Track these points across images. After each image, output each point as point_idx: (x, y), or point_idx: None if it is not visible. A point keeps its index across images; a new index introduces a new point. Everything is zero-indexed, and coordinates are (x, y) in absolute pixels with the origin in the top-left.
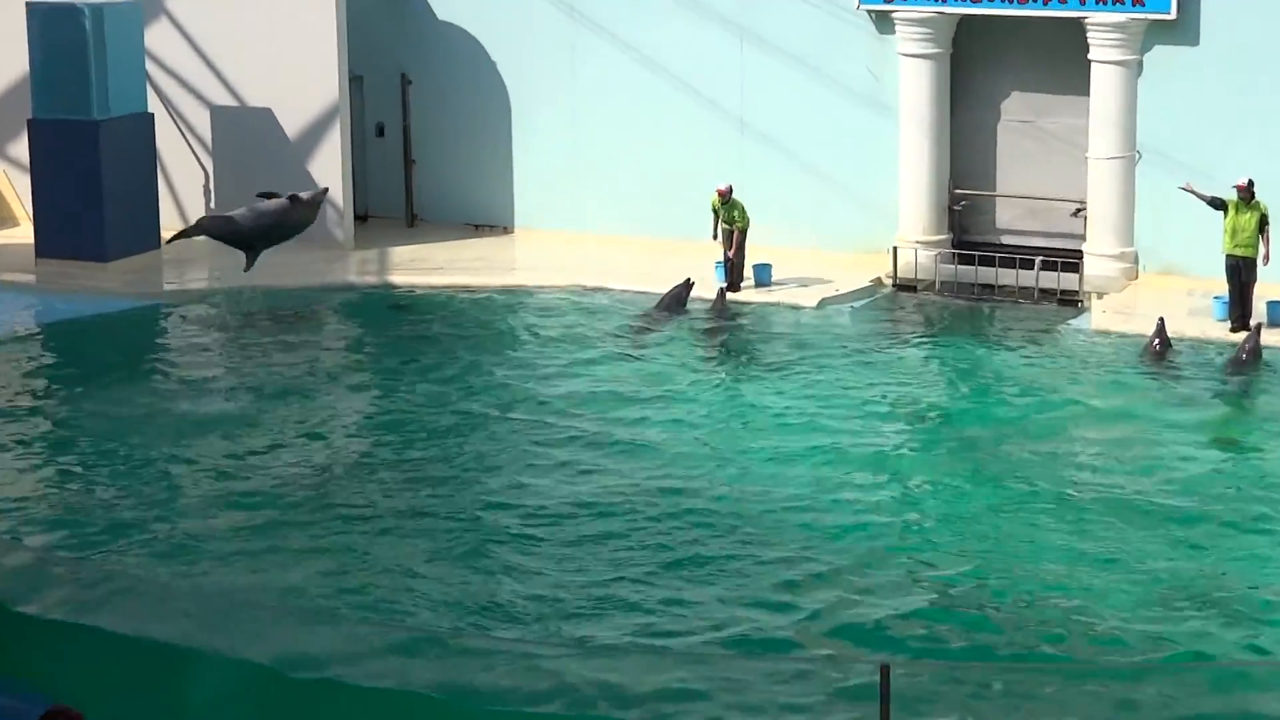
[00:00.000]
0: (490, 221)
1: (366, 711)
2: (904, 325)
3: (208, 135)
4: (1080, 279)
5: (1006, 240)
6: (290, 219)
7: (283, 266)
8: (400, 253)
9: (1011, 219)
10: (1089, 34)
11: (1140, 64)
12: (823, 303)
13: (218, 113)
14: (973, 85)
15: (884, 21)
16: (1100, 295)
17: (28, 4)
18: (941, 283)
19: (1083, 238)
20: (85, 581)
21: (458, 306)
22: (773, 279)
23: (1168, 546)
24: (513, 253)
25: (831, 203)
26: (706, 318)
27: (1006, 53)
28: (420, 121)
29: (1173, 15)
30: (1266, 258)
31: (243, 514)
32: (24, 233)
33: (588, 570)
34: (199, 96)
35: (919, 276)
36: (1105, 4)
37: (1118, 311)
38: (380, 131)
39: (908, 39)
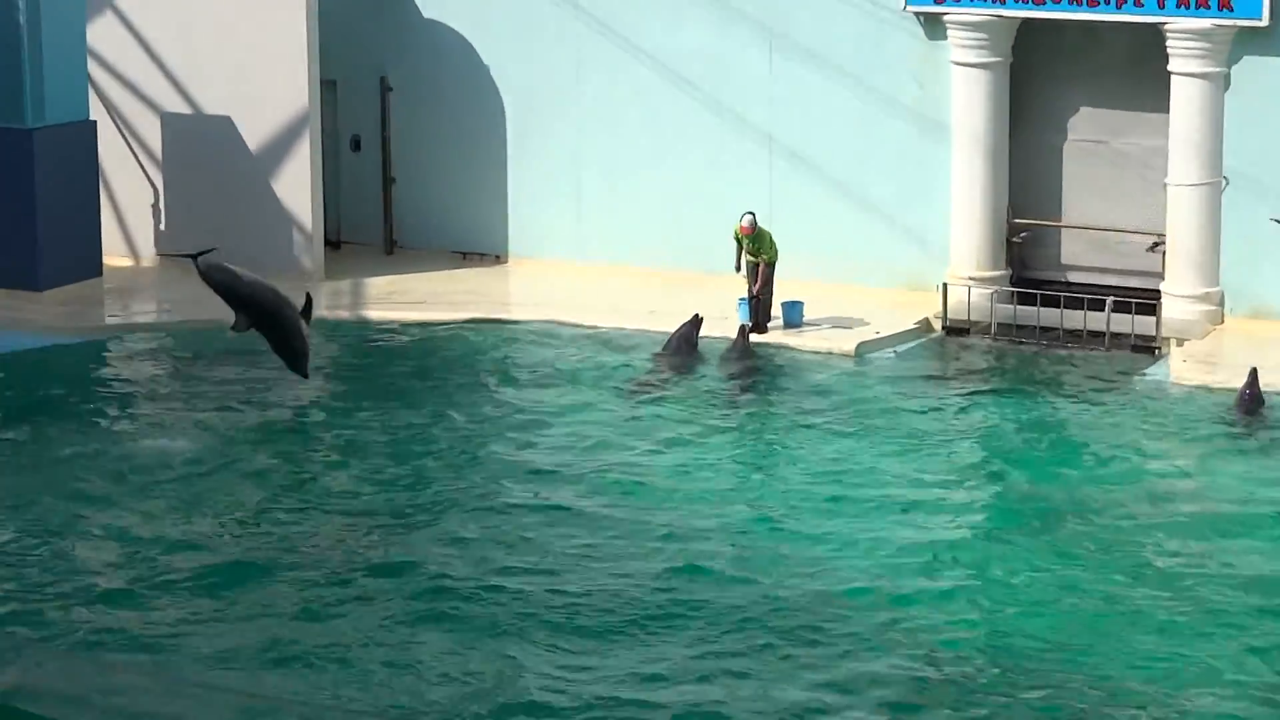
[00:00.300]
0: (480, 249)
1: None
2: (954, 375)
3: (158, 147)
4: (1157, 322)
5: (1073, 278)
6: (285, 318)
7: None
8: (377, 284)
9: (1079, 253)
10: (1168, 42)
11: (1227, 77)
12: (861, 347)
13: (170, 120)
14: (1035, 99)
15: (934, 25)
16: (1180, 342)
17: None
18: (998, 326)
19: (1160, 275)
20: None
21: (441, 346)
22: (804, 319)
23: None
24: (505, 285)
25: (872, 232)
26: (724, 363)
27: (1074, 63)
28: (402, 133)
29: (1264, 21)
30: None
31: (177, 592)
32: None
33: (592, 669)
34: (148, 102)
35: (972, 318)
36: (1187, 8)
37: (1200, 360)
38: (356, 145)
39: (961, 45)
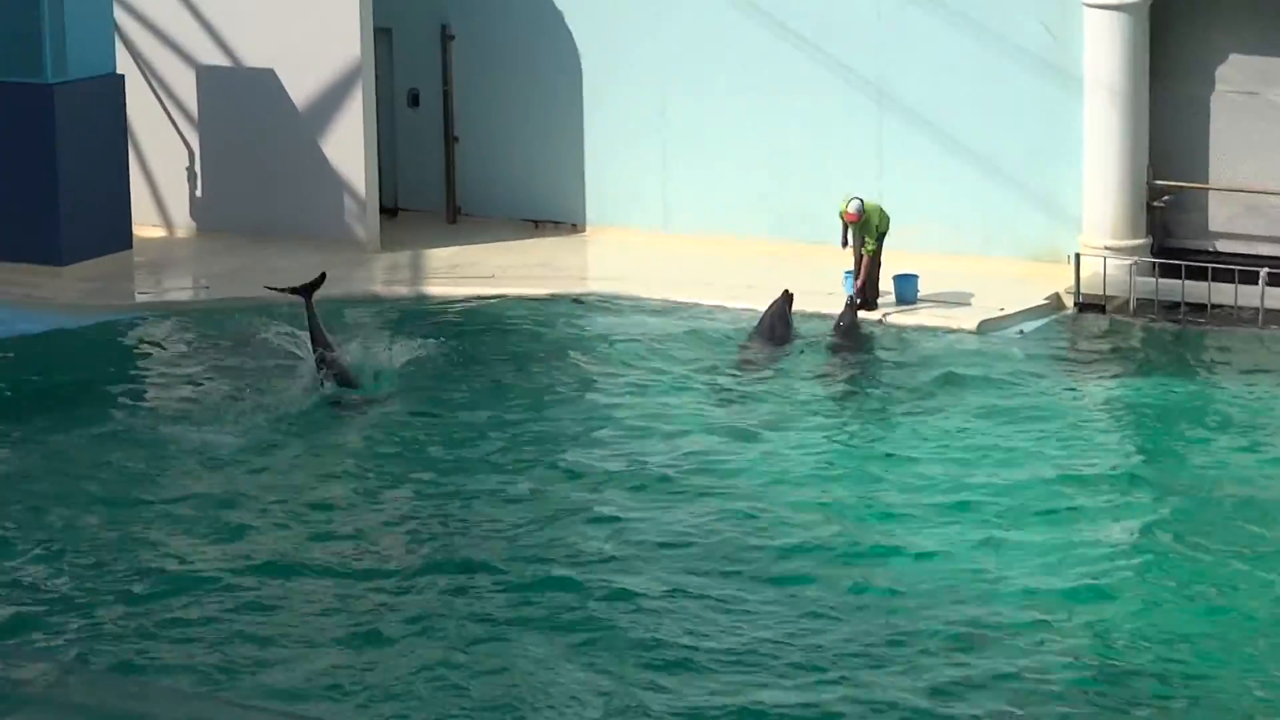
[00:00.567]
0: (554, 217)
1: None
2: (1089, 356)
3: (193, 104)
4: None
5: (1222, 246)
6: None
7: (297, 272)
8: (438, 256)
9: (1229, 218)
10: None
11: None
12: (983, 326)
13: (206, 74)
14: (1178, 46)
15: None
16: None
17: None
18: (1138, 300)
19: None
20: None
21: (510, 326)
22: (919, 294)
23: None
24: (583, 257)
25: (995, 197)
26: (828, 342)
27: (1222, 5)
28: (465, 87)
29: None
30: None
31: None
32: None
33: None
34: (182, 54)
35: (1108, 293)
36: None
37: None
38: (414, 100)
39: None
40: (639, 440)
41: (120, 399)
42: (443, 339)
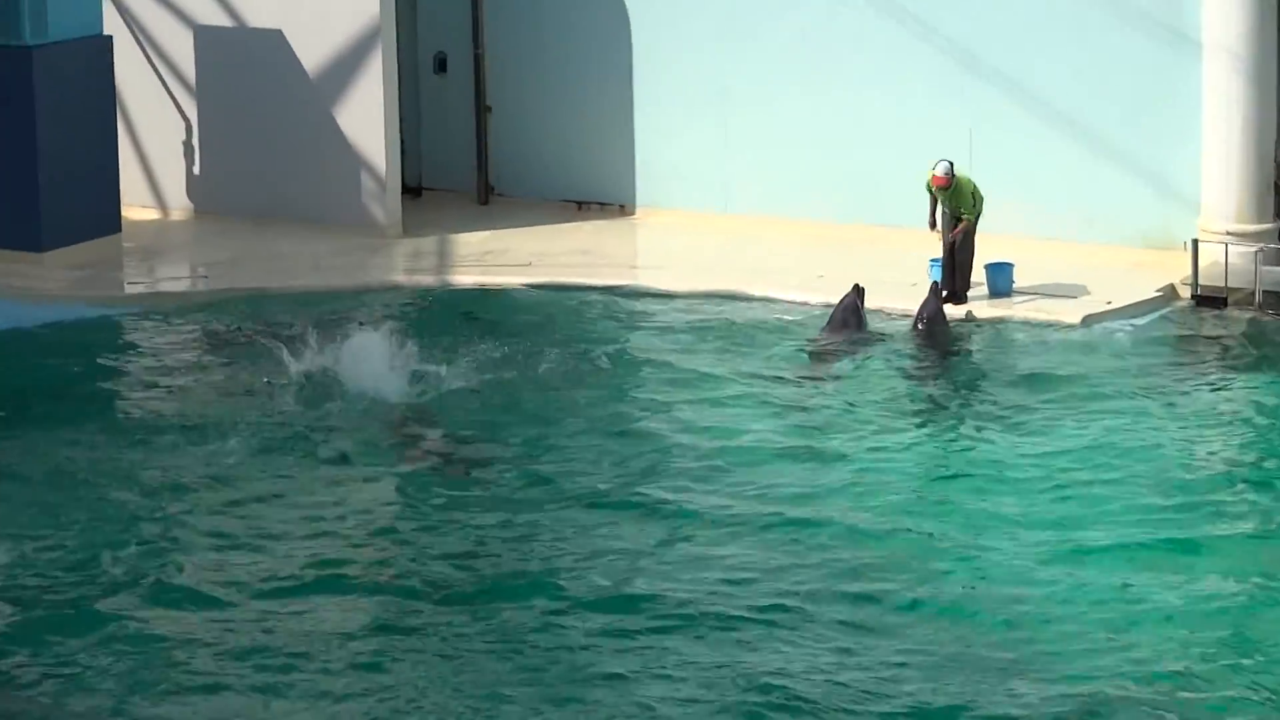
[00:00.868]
0: (599, 198)
1: None
2: (1208, 354)
3: (190, 69)
4: None
5: None
6: None
7: (306, 260)
8: (468, 242)
9: None
10: None
11: None
12: (1088, 320)
13: (204, 36)
14: None
15: None
16: None
17: None
18: (1265, 293)
19: None
20: None
21: (550, 319)
22: (1014, 286)
23: None
24: (632, 243)
25: (1101, 176)
26: (911, 339)
27: None
28: (499, 52)
29: None
30: None
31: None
32: None
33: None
34: (178, 12)
35: (1230, 284)
36: None
37: None
38: (441, 65)
39: None
40: (710, 466)
41: (104, 405)
42: (496, 341)
